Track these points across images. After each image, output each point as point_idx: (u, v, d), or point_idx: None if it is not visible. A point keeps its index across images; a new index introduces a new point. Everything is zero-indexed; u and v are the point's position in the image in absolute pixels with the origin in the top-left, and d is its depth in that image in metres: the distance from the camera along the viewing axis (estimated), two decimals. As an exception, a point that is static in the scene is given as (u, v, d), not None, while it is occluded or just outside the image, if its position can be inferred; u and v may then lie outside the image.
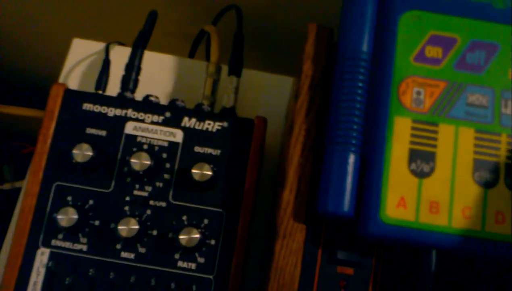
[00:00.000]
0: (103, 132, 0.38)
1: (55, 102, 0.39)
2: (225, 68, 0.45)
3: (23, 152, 0.80)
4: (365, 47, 0.33)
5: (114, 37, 0.50)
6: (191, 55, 0.54)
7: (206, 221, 0.37)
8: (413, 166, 0.31)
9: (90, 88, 0.44)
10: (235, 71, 0.43)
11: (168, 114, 0.39)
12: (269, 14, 0.57)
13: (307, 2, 0.52)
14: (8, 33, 0.75)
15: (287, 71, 0.49)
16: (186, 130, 0.38)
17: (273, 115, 0.45)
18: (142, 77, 0.42)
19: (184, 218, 0.37)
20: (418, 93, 0.32)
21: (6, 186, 0.76)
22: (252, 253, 0.39)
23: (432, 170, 0.31)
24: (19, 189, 0.70)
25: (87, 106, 0.39)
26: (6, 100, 0.78)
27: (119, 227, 0.35)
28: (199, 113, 0.39)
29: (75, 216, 0.35)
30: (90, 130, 0.38)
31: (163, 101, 0.41)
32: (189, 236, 0.35)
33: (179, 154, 0.38)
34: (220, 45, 0.46)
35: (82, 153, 0.36)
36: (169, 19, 0.59)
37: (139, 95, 0.41)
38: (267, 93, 0.48)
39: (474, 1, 0.33)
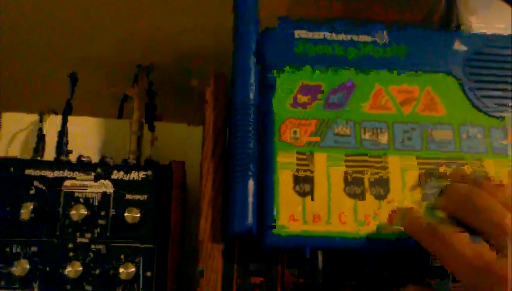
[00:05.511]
0: (44, 192, 0.44)
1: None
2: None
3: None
4: (251, 97, 0.41)
5: (45, 106, 0.56)
6: (120, 116, 0.61)
7: (140, 256, 0.43)
8: (297, 188, 0.39)
9: (27, 154, 0.50)
10: (150, 127, 0.51)
11: (99, 170, 0.46)
12: (179, 72, 0.66)
13: (209, 62, 0.60)
14: None
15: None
16: (116, 182, 0.45)
17: (194, 159, 0.53)
18: (74, 140, 0.49)
19: (122, 256, 0.43)
20: (295, 132, 0.40)
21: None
22: (185, 278, 0.46)
23: (312, 189, 0.39)
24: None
25: (29, 171, 0.45)
26: None
27: (66, 270, 0.41)
28: (126, 166, 0.46)
29: (27, 266, 0.41)
30: (33, 191, 0.44)
31: (95, 159, 0.48)
32: (127, 271, 0.42)
33: (111, 202, 0.45)
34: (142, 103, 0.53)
35: (28, 211, 0.43)
36: (94, 83, 0.66)
37: (73, 157, 0.47)
38: (186, 141, 0.55)
39: (332, 54, 0.43)
